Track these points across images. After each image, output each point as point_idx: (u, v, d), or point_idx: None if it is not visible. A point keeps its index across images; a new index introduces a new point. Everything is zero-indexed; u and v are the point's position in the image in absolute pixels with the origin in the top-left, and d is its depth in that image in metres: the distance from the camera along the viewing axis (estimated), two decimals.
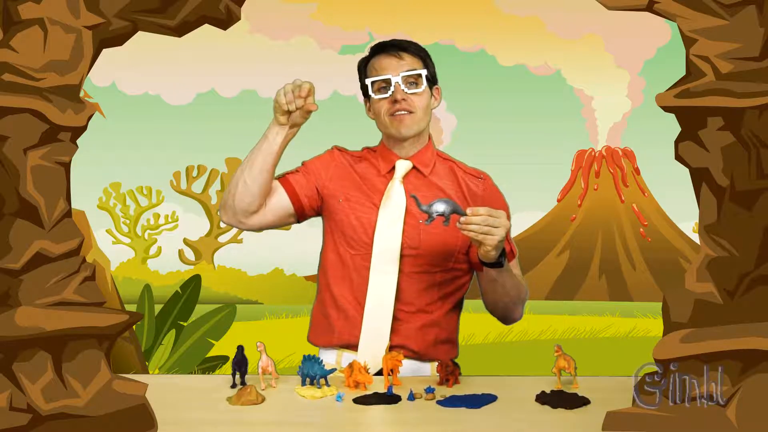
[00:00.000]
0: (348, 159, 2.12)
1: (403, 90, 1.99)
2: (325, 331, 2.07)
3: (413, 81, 2.01)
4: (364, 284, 2.01)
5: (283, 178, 2.08)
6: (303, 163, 2.13)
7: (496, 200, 2.09)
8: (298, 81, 1.90)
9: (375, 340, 1.96)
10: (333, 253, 2.07)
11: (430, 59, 2.08)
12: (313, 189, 2.08)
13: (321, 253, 2.12)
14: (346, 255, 2.04)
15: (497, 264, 1.92)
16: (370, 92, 2.03)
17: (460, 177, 2.10)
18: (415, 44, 2.07)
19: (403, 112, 2.01)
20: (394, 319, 2.00)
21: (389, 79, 2.00)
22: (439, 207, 1.82)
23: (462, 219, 1.81)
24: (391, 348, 1.95)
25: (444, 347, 2.06)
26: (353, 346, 2.00)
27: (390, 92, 2.00)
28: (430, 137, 2.12)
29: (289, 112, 1.91)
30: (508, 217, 2.09)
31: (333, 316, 2.06)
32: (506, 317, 2.10)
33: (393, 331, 2.00)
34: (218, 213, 2.08)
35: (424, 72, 2.02)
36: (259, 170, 1.97)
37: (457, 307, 2.11)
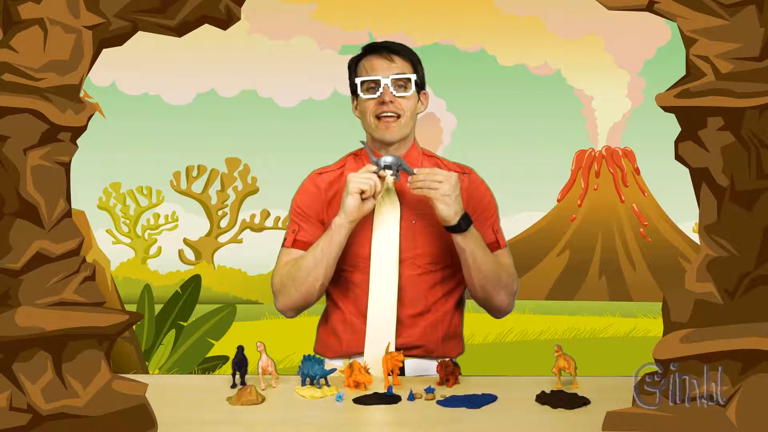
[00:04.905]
0: (331, 178, 2.12)
1: (391, 92, 2.00)
2: (333, 344, 2.08)
3: (402, 84, 2.01)
4: (366, 295, 2.02)
5: (299, 243, 2.07)
6: (294, 208, 2.12)
7: (480, 191, 2.12)
8: (370, 173, 1.93)
9: (380, 347, 1.94)
10: (336, 272, 2.04)
11: (421, 64, 2.09)
12: (321, 227, 2.08)
13: None
14: (347, 273, 2.05)
15: (457, 228, 1.94)
16: (359, 91, 2.04)
17: None
18: (407, 48, 2.08)
19: (389, 115, 2.01)
20: (401, 323, 2.01)
21: (378, 80, 2.00)
22: (387, 159, 1.94)
23: (409, 179, 1.93)
24: (400, 349, 1.96)
25: (451, 342, 2.09)
26: (361, 354, 2.01)
27: (378, 93, 2.00)
28: (414, 138, 2.12)
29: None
30: (496, 210, 2.15)
31: (339, 329, 2.07)
32: (488, 302, 2.06)
33: (401, 334, 2.01)
34: (275, 303, 2.10)
35: (414, 77, 2.02)
36: (329, 267, 2.00)
37: (460, 302, 2.13)
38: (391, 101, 2.00)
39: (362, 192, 1.91)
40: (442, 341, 2.06)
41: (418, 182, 1.91)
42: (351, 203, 1.92)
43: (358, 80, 2.03)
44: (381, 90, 2.00)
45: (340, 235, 1.96)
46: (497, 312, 2.11)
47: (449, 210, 1.91)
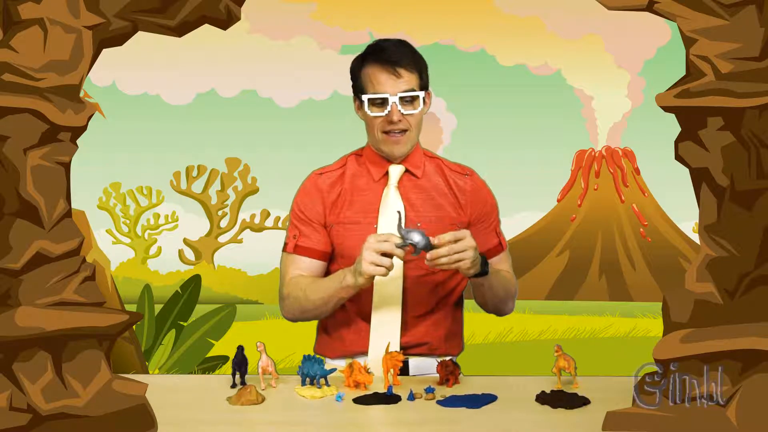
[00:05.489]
0: (332, 178, 2.10)
1: (399, 111, 1.97)
2: (336, 344, 2.08)
3: (410, 100, 1.98)
4: (371, 296, 2.01)
5: (300, 249, 2.06)
6: (295, 211, 2.10)
7: (483, 195, 2.12)
8: (377, 245, 1.84)
9: (384, 347, 1.94)
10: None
11: (426, 68, 2.05)
12: (323, 230, 2.07)
13: (325, 274, 2.10)
14: None
15: (482, 273, 1.93)
16: (366, 108, 1.99)
17: (447, 175, 2.11)
18: (412, 55, 2.02)
19: (397, 133, 2.00)
20: (405, 324, 2.01)
21: (386, 98, 1.97)
22: (415, 237, 1.82)
23: (428, 256, 1.82)
24: (404, 348, 1.97)
25: (454, 340, 2.11)
26: (364, 353, 2.01)
27: (386, 111, 1.97)
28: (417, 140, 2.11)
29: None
30: (497, 212, 2.15)
31: (342, 330, 2.07)
32: (497, 312, 2.14)
33: (405, 333, 2.01)
34: (281, 310, 2.11)
35: (421, 94, 1.99)
36: (335, 307, 2.01)
37: (461, 300, 2.14)
38: (399, 120, 1.98)
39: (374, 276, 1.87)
40: (445, 339, 2.07)
41: (443, 260, 1.82)
42: (363, 284, 1.89)
43: (365, 97, 1.98)
44: (389, 108, 1.97)
45: (348, 294, 1.95)
46: (500, 315, 2.17)
47: (475, 269, 1.89)
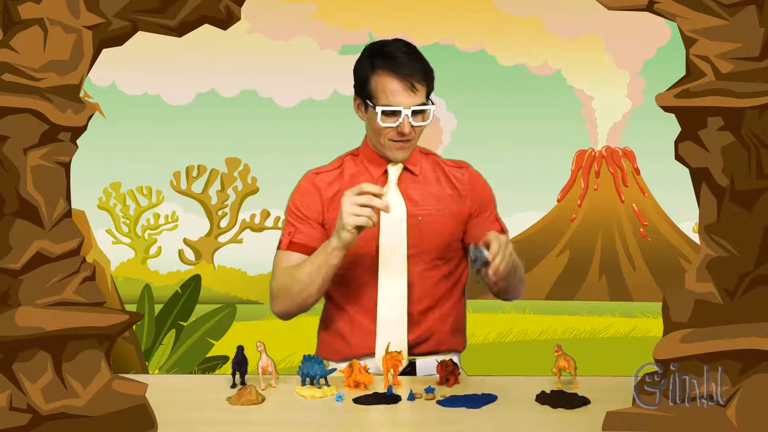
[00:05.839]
0: (330, 178, 2.10)
1: (410, 123, 1.97)
2: (340, 347, 2.06)
3: (421, 113, 1.98)
4: (374, 294, 2.01)
5: (295, 245, 2.04)
6: (291, 209, 2.09)
7: (481, 185, 2.15)
8: (355, 198, 1.84)
9: (391, 346, 1.94)
10: (338, 273, 2.00)
11: (433, 76, 2.03)
12: (320, 228, 2.06)
13: None
14: (351, 273, 2.02)
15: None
16: (378, 119, 1.97)
17: (446, 169, 2.13)
18: (423, 66, 1.99)
19: (404, 141, 2.00)
20: (411, 320, 2.01)
21: (399, 110, 1.96)
22: (486, 255, 1.82)
23: (491, 271, 1.82)
24: (411, 345, 1.98)
25: (459, 335, 2.11)
26: (370, 355, 2.00)
27: (397, 123, 1.96)
28: None
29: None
30: (493, 199, 2.17)
31: (346, 331, 2.05)
32: (509, 293, 2.13)
33: (411, 331, 2.01)
34: (271, 306, 2.08)
35: (433, 107, 1.99)
36: (324, 283, 1.97)
37: (463, 295, 2.14)
38: (409, 132, 1.98)
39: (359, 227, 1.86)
40: (451, 334, 2.07)
41: (502, 266, 1.83)
42: (348, 238, 1.87)
43: (378, 109, 1.96)
44: (400, 120, 1.96)
45: (337, 259, 1.92)
46: (511, 298, 2.17)
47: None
